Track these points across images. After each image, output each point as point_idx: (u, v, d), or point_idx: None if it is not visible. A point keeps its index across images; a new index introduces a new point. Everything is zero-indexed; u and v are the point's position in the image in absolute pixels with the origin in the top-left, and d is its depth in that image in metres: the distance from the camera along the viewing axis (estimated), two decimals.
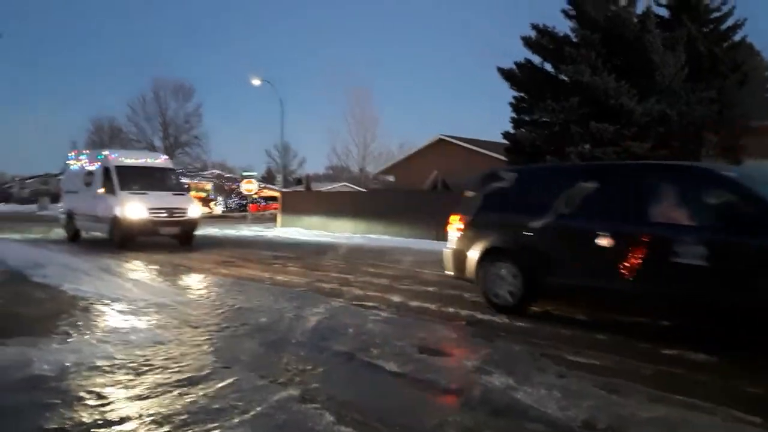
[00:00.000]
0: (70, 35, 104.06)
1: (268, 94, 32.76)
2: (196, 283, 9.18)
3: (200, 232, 16.34)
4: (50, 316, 6.25)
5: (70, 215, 16.45)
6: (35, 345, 5.00)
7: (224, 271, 10.52)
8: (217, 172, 58.05)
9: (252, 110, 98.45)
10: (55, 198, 48.92)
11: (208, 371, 4.42)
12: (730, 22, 21.67)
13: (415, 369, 4.58)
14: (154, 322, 6.13)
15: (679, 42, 18.39)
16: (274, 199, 35.13)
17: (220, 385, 4.12)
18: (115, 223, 13.96)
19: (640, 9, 19.52)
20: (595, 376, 4.42)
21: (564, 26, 20.05)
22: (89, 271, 9.96)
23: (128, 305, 6.98)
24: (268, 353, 5.01)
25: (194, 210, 14.92)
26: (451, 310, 7.04)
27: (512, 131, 19.90)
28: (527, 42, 19.72)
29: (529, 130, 19.05)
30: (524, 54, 20.16)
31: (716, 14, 21.89)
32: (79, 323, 5.94)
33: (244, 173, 35.06)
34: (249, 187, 28.15)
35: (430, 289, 8.63)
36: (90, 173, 15.64)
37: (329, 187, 44.45)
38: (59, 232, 17.68)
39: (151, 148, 59.62)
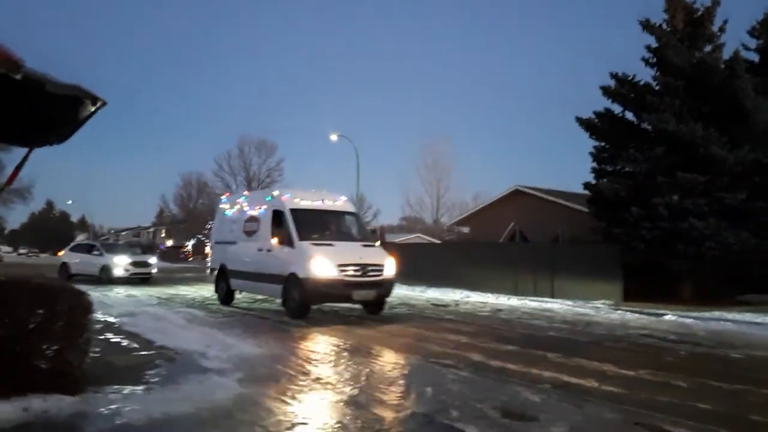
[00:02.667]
0: (163, 95, 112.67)
1: (345, 147, 34.16)
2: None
3: None
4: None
5: (223, 272, 13.86)
6: None
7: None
8: None
9: (330, 164, 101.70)
10: (147, 249, 51.94)
11: None
12: None
13: None
14: None
15: None
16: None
17: None
18: (292, 283, 11.03)
19: (727, 54, 18.78)
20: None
21: (644, 74, 19.61)
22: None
23: None
24: None
25: (390, 267, 11.63)
26: (534, 371, 6.72)
27: (593, 182, 19.34)
28: (606, 91, 19.34)
29: (611, 181, 18.43)
30: (603, 103, 19.78)
31: None
32: None
33: None
34: None
35: None
36: (253, 219, 13.02)
37: (403, 239, 44.61)
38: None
39: None
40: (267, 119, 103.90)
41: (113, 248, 23.67)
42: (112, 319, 10.29)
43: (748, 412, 5.05)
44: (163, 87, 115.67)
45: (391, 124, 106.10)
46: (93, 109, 5.35)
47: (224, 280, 13.69)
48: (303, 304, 10.96)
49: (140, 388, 5.42)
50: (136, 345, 7.86)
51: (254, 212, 13.04)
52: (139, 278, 21.70)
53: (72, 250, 24.04)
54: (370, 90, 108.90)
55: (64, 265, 22.57)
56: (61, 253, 25.88)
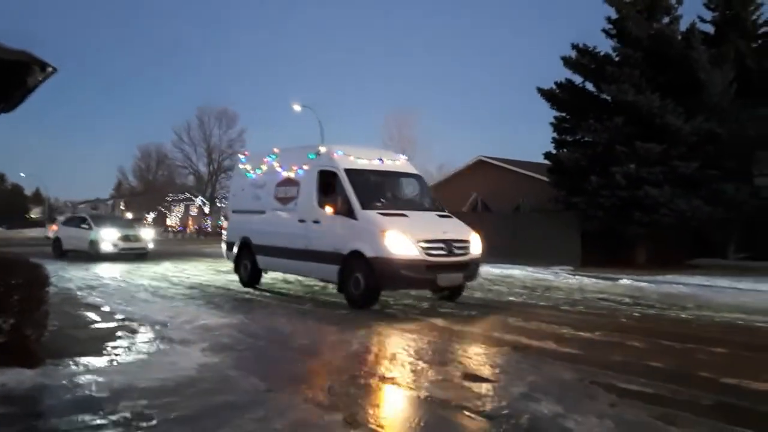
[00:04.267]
0: (121, 65, 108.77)
1: (310, 118, 33.76)
2: None
3: None
4: None
5: (245, 247, 11.42)
6: None
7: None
8: None
9: (294, 134, 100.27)
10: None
11: None
12: None
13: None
14: None
15: (727, 58, 17.90)
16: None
17: None
18: (354, 264, 8.68)
19: (684, 26, 19.15)
20: (651, 406, 4.22)
21: (605, 46, 19.86)
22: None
23: None
24: None
25: (477, 243, 9.37)
26: (495, 334, 6.89)
27: (554, 152, 19.65)
28: (567, 62, 19.56)
29: (571, 151, 18.78)
30: (564, 74, 20.01)
31: (765, 29, 21.28)
32: None
33: None
34: None
35: None
36: (289, 182, 10.49)
37: None
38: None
39: (196, 174, 61.46)
40: (228, 89, 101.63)
41: (102, 221, 21.23)
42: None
43: (697, 369, 5.31)
44: (118, 55, 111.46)
45: (356, 96, 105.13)
46: (42, 76, 5.17)
47: (248, 257, 11.33)
48: (372, 291, 8.64)
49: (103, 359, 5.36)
50: None
51: (290, 174, 10.46)
52: (132, 255, 19.46)
53: (64, 224, 22.22)
54: (335, 60, 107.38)
55: (57, 241, 20.92)
56: (54, 228, 23.86)
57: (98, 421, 3.83)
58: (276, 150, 11.38)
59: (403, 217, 8.93)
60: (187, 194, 61.46)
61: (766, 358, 5.94)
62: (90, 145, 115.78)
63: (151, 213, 63.24)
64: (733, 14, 20.65)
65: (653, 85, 17.53)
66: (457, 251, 8.88)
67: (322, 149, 10.10)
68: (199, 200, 59.23)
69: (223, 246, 12.57)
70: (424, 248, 8.49)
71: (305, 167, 10.16)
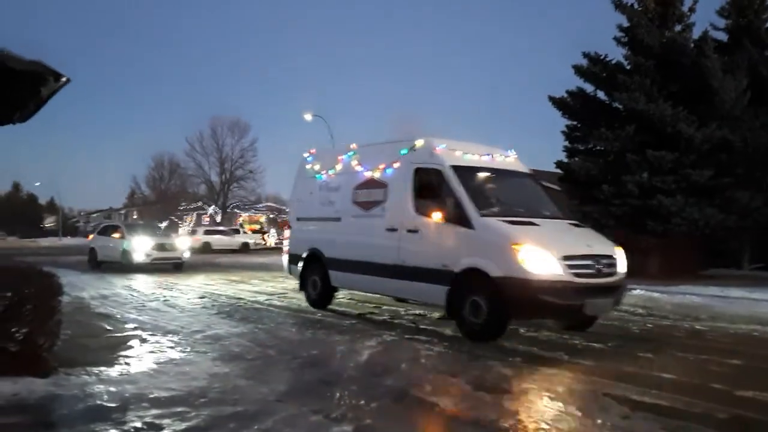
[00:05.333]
0: (134, 76, 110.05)
1: (320, 128, 33.73)
2: None
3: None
4: None
5: (314, 261, 9.73)
6: None
7: None
8: (271, 204, 59.39)
9: (305, 144, 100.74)
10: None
11: None
12: None
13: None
14: None
15: (740, 66, 17.76)
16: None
17: None
18: (473, 285, 7.03)
19: (696, 34, 19.05)
20: (662, 418, 4.16)
21: (616, 54, 19.78)
22: None
23: None
24: None
25: (622, 259, 7.62)
26: (507, 344, 6.85)
27: (565, 160, 19.58)
28: (579, 70, 19.50)
29: (583, 159, 18.69)
30: (576, 82, 19.94)
31: None
32: None
33: None
34: None
35: None
36: (373, 184, 8.84)
37: None
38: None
39: (209, 184, 61.84)
40: (240, 99, 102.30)
41: (135, 229, 20.04)
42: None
43: (711, 381, 5.24)
44: (132, 65, 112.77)
45: (366, 105, 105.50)
46: (56, 86, 5.23)
47: (318, 272, 9.63)
48: (498, 320, 6.85)
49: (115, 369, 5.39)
50: None
51: (375, 174, 8.81)
52: (168, 265, 18.33)
53: (99, 233, 20.96)
54: (346, 70, 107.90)
55: (92, 251, 19.83)
56: (90, 237, 23.28)
57: (109, 431, 3.84)
58: (353, 146, 9.65)
59: (533, 227, 7.26)
60: (200, 203, 61.78)
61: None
62: (104, 155, 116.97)
63: (163, 222, 63.65)
64: (746, 22, 20.53)
65: (665, 94, 17.43)
66: (605, 270, 7.14)
67: (419, 143, 8.31)
68: (211, 209, 59.50)
69: (285, 259, 10.79)
70: (569, 266, 6.72)
71: (395, 165, 8.45)
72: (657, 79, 17.77)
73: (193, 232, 36.39)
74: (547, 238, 7.05)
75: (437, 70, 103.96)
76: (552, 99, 19.97)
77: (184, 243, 19.99)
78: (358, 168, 9.22)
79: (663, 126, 16.83)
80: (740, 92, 17.38)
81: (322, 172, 10.05)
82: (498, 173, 8.55)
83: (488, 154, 8.60)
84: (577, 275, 6.77)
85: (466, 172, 7.86)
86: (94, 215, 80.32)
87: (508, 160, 8.97)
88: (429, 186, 7.95)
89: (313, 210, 10.11)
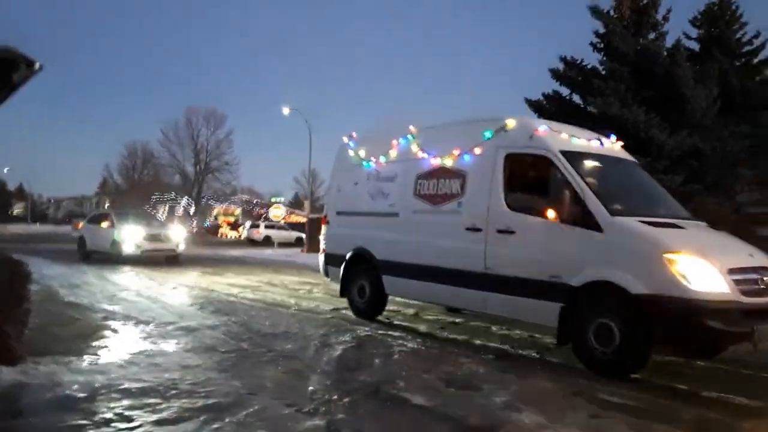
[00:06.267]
0: (107, 63, 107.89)
1: (298, 121, 33.44)
2: None
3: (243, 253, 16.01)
4: None
5: (363, 263, 8.34)
6: None
7: None
8: (246, 197, 58.92)
9: (282, 137, 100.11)
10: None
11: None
12: (762, 56, 21.51)
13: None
14: None
15: (711, 76, 18.26)
16: (301, 224, 35.49)
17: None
18: (602, 304, 5.65)
19: (669, 42, 19.49)
20: (631, 418, 4.27)
21: (592, 59, 20.14)
22: None
23: None
24: None
25: None
26: (477, 342, 6.94)
27: None
28: (555, 74, 19.81)
29: None
30: (552, 86, 20.25)
31: (748, 48, 21.75)
32: None
33: (273, 199, 35.59)
34: (276, 212, 28.47)
35: None
36: (445, 174, 7.36)
37: None
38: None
39: (183, 174, 61.05)
40: (216, 89, 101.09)
41: (126, 218, 18.29)
42: None
43: (676, 382, 5.38)
44: (105, 51, 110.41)
45: (345, 100, 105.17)
46: (28, 72, 5.13)
47: (365, 277, 8.27)
48: (638, 349, 5.43)
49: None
50: None
51: (446, 161, 7.33)
52: (160, 257, 17.23)
53: (89, 221, 19.55)
54: (325, 63, 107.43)
55: (82, 240, 18.65)
56: (80, 226, 21.51)
57: (79, 422, 3.80)
58: (413, 129, 8.17)
59: (679, 230, 5.94)
60: (173, 194, 61.02)
61: (747, 372, 6.02)
62: (75, 142, 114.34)
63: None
64: (717, 32, 21.11)
65: (638, 100, 17.81)
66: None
67: (511, 123, 6.77)
68: (184, 200, 58.80)
69: (321, 259, 9.33)
70: (735, 282, 5.28)
71: (477, 150, 6.95)
72: (631, 86, 18.15)
73: (255, 226, 37.90)
74: (703, 245, 5.70)
75: (412, 69, 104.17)
76: (528, 101, 20.26)
77: (179, 234, 18.54)
78: (421, 154, 7.74)
79: (636, 131, 17.18)
80: (710, 101, 17.87)
81: (371, 160, 8.55)
82: (613, 162, 7.07)
83: (597, 138, 7.16)
84: (744, 293, 5.28)
85: (580, 160, 6.44)
86: (65, 202, 78.68)
87: (616, 146, 7.51)
88: (528, 176, 6.68)
89: (359, 203, 8.64)
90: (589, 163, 6.59)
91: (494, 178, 6.71)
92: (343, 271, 8.60)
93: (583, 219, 5.79)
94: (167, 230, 18.55)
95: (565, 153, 6.30)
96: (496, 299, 6.54)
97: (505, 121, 6.82)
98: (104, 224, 17.69)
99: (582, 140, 6.91)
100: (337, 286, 8.95)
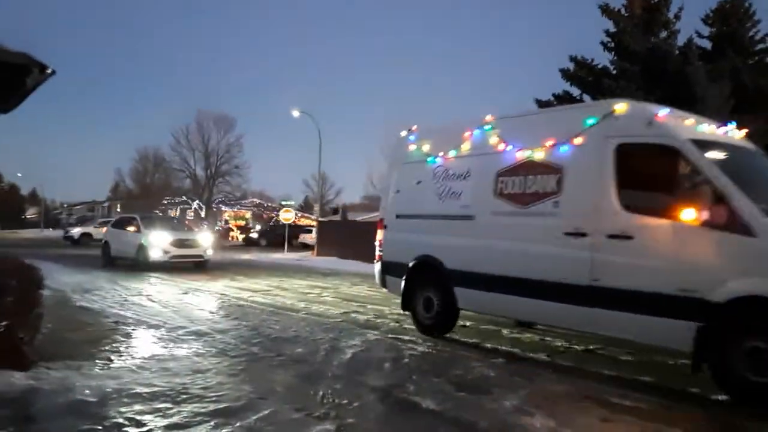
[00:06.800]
0: (118, 68, 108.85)
1: (307, 124, 33.45)
2: None
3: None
4: None
5: (430, 273, 7.41)
6: None
7: None
8: (257, 200, 59.18)
9: (291, 141, 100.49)
10: (102, 224, 50.24)
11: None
12: None
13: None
14: None
15: (723, 74, 18.08)
16: (308, 229, 35.47)
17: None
18: (755, 323, 4.70)
19: (681, 41, 19.35)
20: (642, 422, 4.23)
21: (603, 59, 20.05)
22: None
23: None
24: None
25: None
26: (488, 345, 6.90)
27: None
28: (565, 74, 19.74)
29: None
30: (563, 86, 20.17)
31: (761, 46, 21.51)
32: None
33: (283, 202, 35.59)
34: (287, 216, 28.52)
35: None
36: (536, 168, 6.35)
37: (365, 217, 44.71)
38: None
39: (194, 178, 61.44)
40: (226, 94, 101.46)
41: (153, 222, 17.84)
42: None
43: (688, 385, 5.32)
44: (117, 57, 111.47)
45: (354, 102, 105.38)
46: (41, 77, 5.20)
47: (433, 289, 7.34)
48: None
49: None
50: None
51: (536, 154, 6.35)
52: (188, 263, 16.44)
53: (113, 226, 18.80)
54: (334, 67, 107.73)
55: (106, 246, 17.97)
56: (104, 230, 20.73)
57: (90, 426, 3.82)
58: (489, 118, 7.15)
59: None
60: (184, 198, 61.41)
61: None
62: (88, 148, 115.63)
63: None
64: (730, 30, 20.89)
65: (650, 99, 17.63)
66: None
67: (621, 107, 5.84)
68: (195, 204, 59.15)
69: (377, 268, 8.38)
70: None
71: (578, 141, 5.95)
72: (642, 85, 18.02)
73: (308, 231, 34.62)
74: None
75: (420, 68, 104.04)
76: (539, 102, 20.17)
77: (207, 238, 17.73)
78: (502, 147, 6.72)
79: None
80: (723, 100, 17.68)
81: (437, 155, 7.57)
82: (743, 152, 6.16)
83: (721, 125, 6.28)
84: None
85: (712, 151, 5.49)
86: (77, 207, 79.42)
87: (740, 134, 6.50)
88: (647, 170, 5.69)
89: (423, 204, 7.66)
90: (722, 154, 5.59)
91: (603, 173, 5.69)
92: (406, 281, 7.66)
93: (728, 221, 4.83)
94: (195, 235, 17.86)
95: (695, 142, 5.37)
96: (607, 317, 5.51)
97: (613, 105, 5.91)
98: (130, 229, 17.01)
99: (708, 127, 6.05)
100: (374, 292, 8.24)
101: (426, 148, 7.79)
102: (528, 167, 6.43)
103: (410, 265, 7.61)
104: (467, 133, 7.25)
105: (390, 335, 7.38)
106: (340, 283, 13.97)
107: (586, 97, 19.84)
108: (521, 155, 6.50)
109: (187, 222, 24.87)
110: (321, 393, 4.72)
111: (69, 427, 3.81)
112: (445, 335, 7.24)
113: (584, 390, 5.02)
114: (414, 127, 8.33)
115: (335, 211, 49.21)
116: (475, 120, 7.29)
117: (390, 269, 8.13)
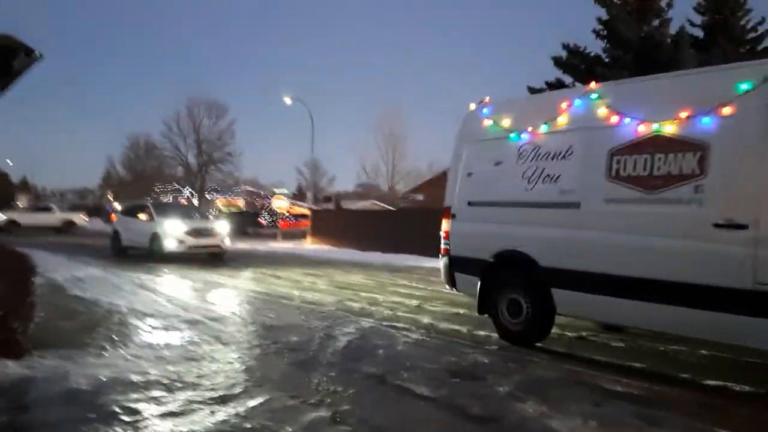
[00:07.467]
0: (108, 54, 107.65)
1: (300, 111, 33.28)
2: None
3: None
4: None
5: (513, 267, 6.47)
6: None
7: None
8: (249, 188, 58.91)
9: (284, 128, 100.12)
10: (93, 212, 49.87)
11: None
12: (767, 42, 21.32)
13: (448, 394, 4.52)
14: None
15: (715, 63, 18.12)
16: (304, 216, 35.42)
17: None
18: None
19: (674, 29, 19.36)
20: (634, 406, 4.29)
21: (595, 47, 20.02)
22: None
23: None
24: None
25: None
26: (482, 333, 6.95)
27: None
28: (558, 62, 19.71)
29: None
30: (555, 74, 20.14)
31: (753, 35, 21.56)
32: None
33: (276, 190, 35.41)
34: (280, 204, 28.48)
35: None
36: (671, 145, 5.23)
37: (358, 205, 44.72)
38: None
39: (185, 165, 61.05)
40: (218, 80, 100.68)
41: (166, 210, 16.91)
42: None
43: (678, 370, 5.38)
44: (106, 42, 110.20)
45: (348, 92, 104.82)
46: (28, 61, 5.14)
47: (520, 289, 6.33)
48: None
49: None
50: None
51: (668, 126, 5.28)
52: (204, 254, 15.75)
53: (123, 213, 17.85)
54: (327, 54, 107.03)
55: (116, 235, 17.06)
56: (114, 218, 19.53)
57: (85, 415, 3.83)
58: (593, 85, 6.10)
59: None
60: (176, 185, 61.06)
61: (746, 359, 6.03)
62: (78, 134, 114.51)
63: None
64: (722, 19, 20.92)
65: None
66: None
67: None
68: (188, 191, 58.80)
69: (443, 263, 7.28)
70: None
71: (727, 111, 4.92)
72: (635, 73, 18.01)
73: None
74: None
75: (410, 56, 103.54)
76: (531, 90, 20.13)
77: (224, 227, 16.56)
78: (615, 119, 5.66)
79: None
80: None
81: (523, 130, 6.49)
82: None
83: None
84: None
85: None
86: (69, 195, 78.88)
87: None
88: None
89: (505, 189, 6.59)
90: None
91: (766, 150, 4.68)
92: (483, 280, 6.62)
93: None
94: (212, 223, 16.80)
95: None
96: None
97: None
98: (142, 217, 16.13)
99: None
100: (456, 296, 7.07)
101: (506, 122, 6.70)
102: (655, 144, 5.35)
103: (489, 261, 6.54)
104: (564, 104, 6.17)
105: (384, 323, 7.41)
106: (334, 272, 13.98)
107: (578, 86, 19.87)
108: (644, 129, 5.40)
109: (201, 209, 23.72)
110: (316, 380, 4.75)
111: (63, 415, 3.82)
112: (536, 344, 6.20)
113: (577, 376, 5.07)
114: (486, 99, 7.29)
115: (328, 199, 49.23)
116: (575, 89, 6.12)
117: (460, 266, 7.05)
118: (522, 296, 6.26)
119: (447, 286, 7.40)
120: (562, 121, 6.15)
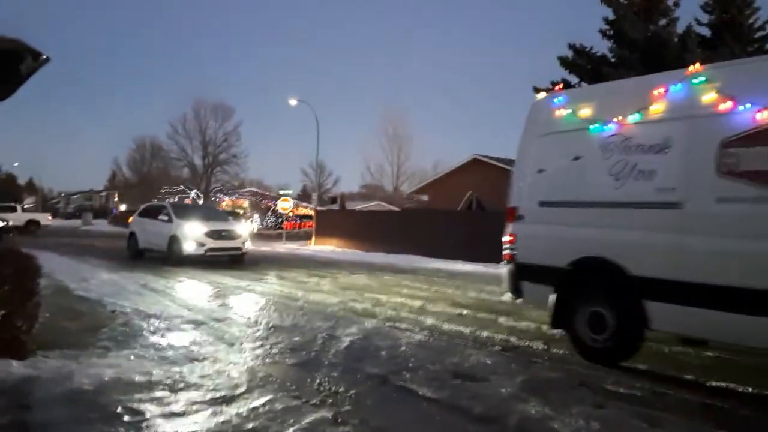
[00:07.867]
0: (115, 56, 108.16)
1: (305, 113, 33.33)
2: None
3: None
4: None
5: (595, 276, 5.77)
6: None
7: None
8: (254, 190, 59.03)
9: (289, 129, 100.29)
10: (98, 214, 50.02)
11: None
12: None
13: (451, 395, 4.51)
14: None
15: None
16: (308, 217, 35.45)
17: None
18: None
19: (681, 28, 19.28)
20: (636, 407, 4.26)
21: (601, 46, 19.97)
22: None
23: None
24: None
25: None
26: (484, 334, 6.93)
27: None
28: (564, 62, 19.66)
29: None
30: (561, 74, 20.10)
31: (761, 33, 21.44)
32: None
33: (281, 191, 35.44)
34: (285, 205, 28.47)
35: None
36: None
37: (363, 206, 44.70)
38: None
39: (191, 167, 61.27)
40: (224, 82, 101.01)
41: (185, 211, 16.34)
42: None
43: (682, 372, 5.35)
44: (115, 47, 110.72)
45: (352, 91, 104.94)
46: (35, 64, 5.17)
47: (604, 301, 5.57)
48: None
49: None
50: None
51: None
52: (224, 257, 15.26)
53: (140, 215, 17.20)
54: (331, 55, 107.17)
55: (132, 237, 16.55)
56: (131, 220, 18.95)
57: (88, 415, 3.84)
58: (696, 68, 5.31)
59: None
60: (182, 187, 61.26)
61: (752, 361, 5.99)
62: (85, 137, 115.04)
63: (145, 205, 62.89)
64: (729, 18, 20.81)
65: None
66: None
67: None
68: (193, 193, 58.98)
69: (508, 271, 6.58)
70: None
71: None
72: (642, 73, 17.92)
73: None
74: None
75: (418, 57, 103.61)
76: (537, 90, 20.04)
77: (245, 229, 16.22)
78: (728, 106, 4.92)
79: None
80: None
81: (608, 120, 5.75)
82: None
83: None
84: None
85: None
86: (75, 197, 79.26)
87: None
88: None
89: (586, 187, 5.89)
90: None
91: None
92: (558, 291, 5.90)
93: None
94: (232, 225, 16.15)
95: None
96: None
97: None
98: (160, 218, 15.58)
99: None
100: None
101: (585, 112, 5.98)
102: None
103: (566, 269, 5.81)
104: (660, 90, 5.43)
105: (387, 323, 7.41)
106: (338, 273, 13.98)
107: (584, 85, 19.82)
108: (766, 116, 4.64)
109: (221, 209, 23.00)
110: (318, 381, 4.75)
111: (67, 415, 3.83)
112: (621, 363, 5.44)
113: (580, 377, 5.05)
114: (559, 86, 6.40)
115: (333, 200, 49.24)
116: (671, 73, 5.54)
117: (529, 274, 6.29)
118: (606, 309, 5.51)
119: (511, 296, 6.68)
120: (657, 108, 5.42)
